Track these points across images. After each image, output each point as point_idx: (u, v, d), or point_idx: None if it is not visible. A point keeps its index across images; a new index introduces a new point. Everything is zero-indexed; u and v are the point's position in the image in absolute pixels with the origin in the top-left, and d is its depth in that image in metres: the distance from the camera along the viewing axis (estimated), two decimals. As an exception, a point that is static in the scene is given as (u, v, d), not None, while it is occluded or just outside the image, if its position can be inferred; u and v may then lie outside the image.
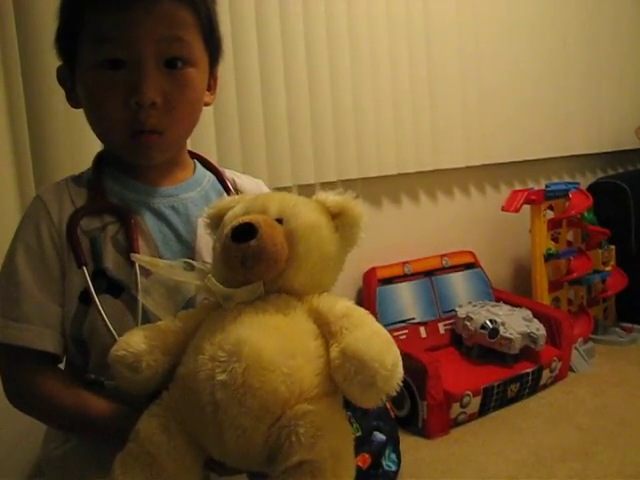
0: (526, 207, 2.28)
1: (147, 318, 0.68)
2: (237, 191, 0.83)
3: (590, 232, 2.45)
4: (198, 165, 0.83)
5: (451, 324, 2.16)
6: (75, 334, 0.70)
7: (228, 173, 0.86)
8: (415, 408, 1.76)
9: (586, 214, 2.42)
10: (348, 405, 0.58)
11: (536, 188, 2.34)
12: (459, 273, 2.28)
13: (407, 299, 2.11)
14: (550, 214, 2.37)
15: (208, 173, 0.83)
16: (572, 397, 1.95)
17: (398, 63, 2.08)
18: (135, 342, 0.60)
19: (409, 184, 2.26)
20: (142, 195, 0.75)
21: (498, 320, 1.97)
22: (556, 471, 1.53)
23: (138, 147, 0.70)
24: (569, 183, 2.46)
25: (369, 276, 2.09)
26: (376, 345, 0.54)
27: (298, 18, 1.80)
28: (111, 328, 0.67)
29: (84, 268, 0.69)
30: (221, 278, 0.60)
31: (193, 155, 0.84)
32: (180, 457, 0.57)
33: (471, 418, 1.82)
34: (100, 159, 0.78)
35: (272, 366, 0.54)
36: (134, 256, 0.67)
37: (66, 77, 0.73)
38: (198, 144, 1.47)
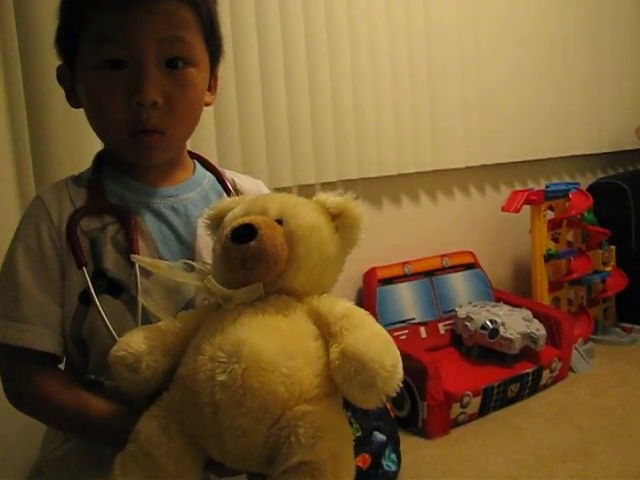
0: (526, 207, 2.28)
1: (147, 318, 0.68)
2: (237, 191, 0.82)
3: (590, 232, 2.45)
4: (198, 165, 0.83)
5: (451, 324, 2.15)
6: (75, 334, 0.70)
7: (228, 173, 0.85)
8: (415, 408, 1.76)
9: (586, 214, 2.42)
10: (348, 405, 0.58)
11: (536, 188, 2.35)
12: (459, 273, 2.28)
13: (407, 299, 2.11)
14: (550, 214, 2.37)
15: (208, 173, 0.83)
16: (572, 397, 1.95)
17: (398, 64, 2.08)
18: (135, 343, 0.60)
19: (409, 184, 2.26)
20: (142, 195, 0.75)
21: (498, 320, 1.97)
22: (556, 471, 1.54)
23: (139, 147, 0.70)
24: (569, 183, 2.46)
25: (369, 276, 2.09)
26: (376, 346, 0.54)
27: (298, 19, 1.80)
28: (111, 328, 0.67)
29: (84, 268, 0.69)
30: (221, 279, 0.60)
31: (193, 155, 0.84)
32: (180, 458, 0.57)
33: (471, 418, 1.82)
34: (100, 159, 0.78)
35: (271, 367, 0.54)
36: (134, 257, 0.67)
37: (66, 77, 0.73)
38: (198, 144, 1.47)
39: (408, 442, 1.68)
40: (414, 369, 1.72)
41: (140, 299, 0.67)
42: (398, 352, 0.55)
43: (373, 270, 2.08)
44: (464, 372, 1.94)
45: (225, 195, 0.80)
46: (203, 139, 1.57)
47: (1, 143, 1.25)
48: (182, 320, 0.63)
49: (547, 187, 2.33)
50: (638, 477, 1.48)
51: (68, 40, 0.71)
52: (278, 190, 1.77)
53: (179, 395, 0.58)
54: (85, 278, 0.68)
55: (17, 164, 1.28)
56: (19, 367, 0.70)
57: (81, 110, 0.73)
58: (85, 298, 0.69)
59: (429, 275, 2.21)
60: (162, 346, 0.61)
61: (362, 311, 0.60)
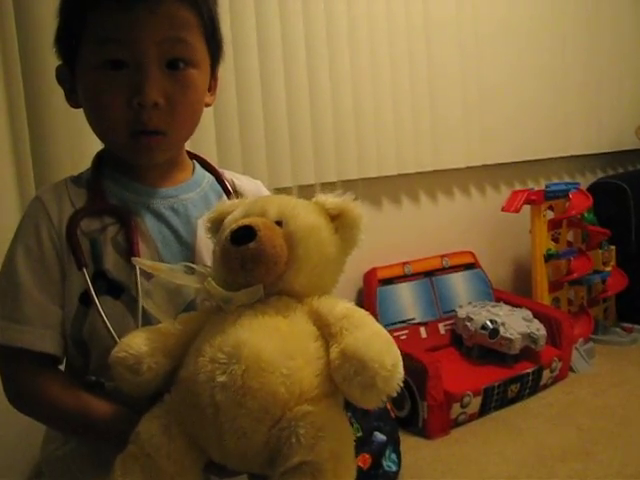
0: (526, 207, 2.28)
1: (147, 319, 0.68)
2: (236, 192, 0.82)
3: (590, 232, 2.45)
4: (197, 166, 0.83)
5: (451, 324, 2.15)
6: (75, 335, 0.70)
7: (227, 174, 0.85)
8: (415, 408, 1.76)
9: (586, 214, 2.42)
10: (348, 405, 0.58)
11: (536, 188, 2.35)
12: (459, 273, 2.28)
13: (407, 299, 2.11)
14: (550, 214, 2.37)
15: (207, 174, 0.83)
16: (572, 397, 1.95)
17: (398, 63, 2.08)
18: (136, 344, 0.60)
19: (409, 184, 2.25)
20: (142, 196, 0.75)
21: (498, 320, 1.97)
22: (556, 471, 1.53)
23: (139, 147, 0.70)
24: (569, 183, 2.47)
25: (369, 276, 2.09)
26: (376, 346, 0.54)
27: (298, 19, 1.80)
28: (111, 329, 0.67)
29: (84, 270, 0.69)
30: (221, 281, 0.60)
31: (192, 156, 0.84)
32: (180, 459, 0.57)
33: (471, 418, 1.82)
34: (99, 159, 0.78)
35: (271, 367, 0.54)
36: (135, 260, 0.67)
37: (65, 77, 0.73)
38: (198, 144, 1.47)
39: (408, 442, 1.68)
40: (414, 369, 1.72)
41: (141, 302, 0.67)
42: (399, 352, 0.55)
43: (373, 270, 2.08)
44: (464, 372, 1.94)
45: (224, 196, 0.80)
46: (203, 139, 1.57)
47: (1, 143, 1.25)
48: (183, 322, 0.63)
49: (547, 187, 2.33)
50: (638, 477, 1.48)
51: (68, 40, 0.71)
52: (278, 190, 1.79)
53: (180, 397, 0.58)
54: (85, 279, 0.68)
55: (17, 164, 1.28)
56: (19, 368, 0.70)
57: (81, 110, 0.73)
58: (85, 299, 0.69)
59: (429, 275, 2.21)
60: (163, 348, 0.61)
61: (362, 311, 0.60)
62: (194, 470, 0.58)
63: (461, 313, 2.09)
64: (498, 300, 2.24)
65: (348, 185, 1.98)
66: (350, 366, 0.53)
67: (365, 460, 1.47)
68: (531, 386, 1.96)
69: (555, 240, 2.38)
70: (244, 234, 0.58)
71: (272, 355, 0.54)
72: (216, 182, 0.82)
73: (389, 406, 1.66)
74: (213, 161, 0.86)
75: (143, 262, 0.67)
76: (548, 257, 2.29)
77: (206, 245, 0.72)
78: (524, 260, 2.55)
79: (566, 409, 1.88)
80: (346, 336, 0.55)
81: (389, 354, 0.54)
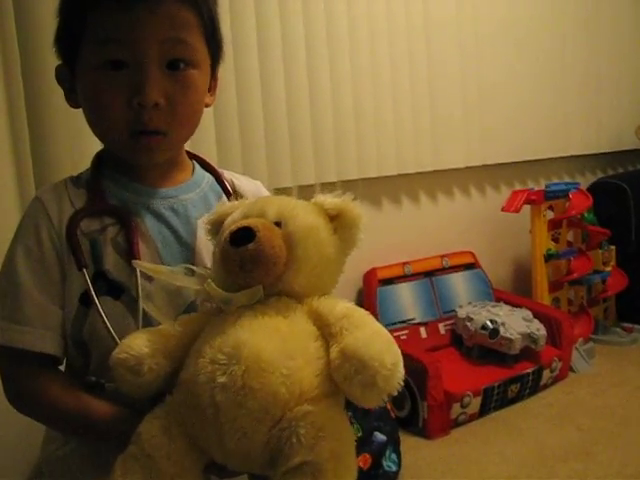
0: (526, 207, 2.28)
1: (148, 320, 0.68)
2: (235, 192, 0.82)
3: (590, 232, 2.45)
4: (197, 166, 0.83)
5: (451, 324, 2.15)
6: (75, 336, 0.70)
7: (226, 174, 0.85)
8: (415, 408, 1.76)
9: (586, 214, 2.42)
10: (349, 405, 0.58)
11: (536, 188, 2.34)
12: (459, 273, 2.28)
13: (407, 299, 2.11)
14: (550, 214, 2.37)
15: (207, 174, 0.83)
16: (572, 397, 1.95)
17: (398, 63, 2.08)
18: (137, 345, 0.60)
19: (409, 185, 2.25)
20: (141, 196, 0.75)
21: (498, 320, 1.97)
22: (557, 471, 1.53)
23: (139, 147, 0.70)
24: (569, 183, 2.47)
25: (369, 277, 2.09)
26: (376, 345, 0.54)
27: (298, 19, 1.80)
28: (111, 330, 0.67)
29: (84, 270, 0.69)
30: (221, 283, 0.60)
31: (191, 156, 0.84)
32: (180, 460, 0.57)
33: (471, 418, 1.82)
34: (99, 160, 0.78)
35: (271, 367, 0.54)
36: (136, 262, 0.67)
37: (65, 77, 0.73)
38: (198, 145, 1.47)
39: (408, 442, 1.68)
40: (414, 369, 1.72)
41: (141, 305, 0.67)
42: (399, 351, 0.55)
43: (373, 270, 2.08)
44: (464, 372, 1.94)
45: (224, 196, 0.80)
46: (203, 139, 1.57)
47: (1, 143, 1.24)
48: (183, 323, 0.63)
49: (547, 187, 2.33)
50: (638, 477, 1.48)
51: (68, 40, 0.71)
52: (278, 191, 1.79)
53: (181, 398, 0.58)
54: (85, 280, 0.68)
55: (17, 164, 1.28)
56: (20, 368, 0.70)
57: (81, 110, 0.73)
58: (85, 300, 0.69)
59: (429, 275, 2.21)
60: (164, 349, 0.61)
61: (362, 311, 0.60)
62: (194, 471, 0.58)
63: (461, 313, 2.09)
64: (498, 300, 2.24)
65: (348, 185, 1.98)
66: (350, 365, 0.53)
67: (365, 460, 1.47)
68: (531, 386, 1.96)
69: (555, 240, 2.38)
70: (243, 235, 0.58)
71: (272, 355, 0.54)
72: (216, 182, 0.82)
73: (389, 406, 1.66)
74: (213, 161, 0.86)
75: (143, 265, 0.67)
76: (548, 257, 2.29)
77: (206, 246, 0.72)
78: (524, 260, 2.55)
79: (566, 409, 1.87)
80: (346, 336, 0.55)
81: (389, 353, 0.54)
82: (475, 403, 1.81)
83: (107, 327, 0.67)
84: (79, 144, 1.32)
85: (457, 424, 1.79)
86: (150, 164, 0.74)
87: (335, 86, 1.91)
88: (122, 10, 0.65)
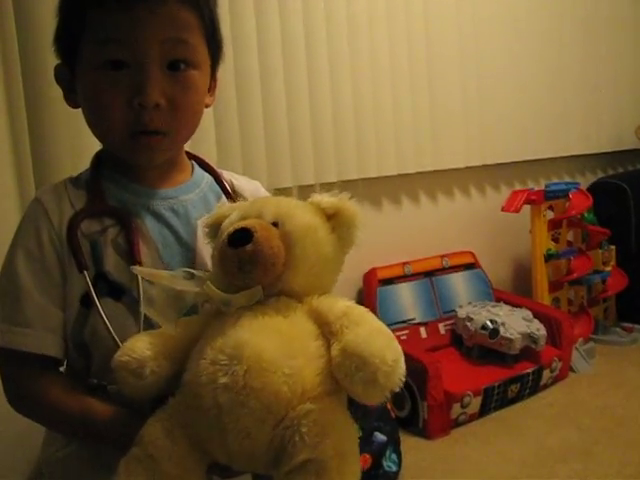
0: (526, 207, 2.28)
1: (149, 321, 0.68)
2: (235, 193, 0.82)
3: (590, 232, 2.45)
4: (196, 167, 0.83)
5: (451, 324, 2.15)
6: (76, 338, 0.70)
7: (226, 174, 0.85)
8: (416, 408, 1.76)
9: (586, 214, 2.42)
10: (350, 405, 0.58)
11: (536, 188, 2.34)
12: (459, 273, 2.28)
13: (407, 299, 2.11)
14: (550, 214, 2.37)
15: (206, 175, 0.83)
16: (572, 397, 1.95)
17: (398, 63, 2.07)
18: (139, 348, 0.60)
19: (409, 184, 2.25)
20: (141, 197, 0.74)
21: (498, 320, 1.97)
22: (557, 471, 1.53)
23: (139, 148, 0.70)
24: (569, 183, 2.47)
25: (369, 277, 2.09)
26: (376, 341, 0.54)
27: (298, 19, 1.80)
28: (112, 331, 0.67)
29: (85, 272, 0.68)
30: (221, 284, 0.60)
31: (190, 156, 0.84)
32: (183, 461, 0.57)
33: (472, 418, 1.82)
34: (98, 160, 0.77)
35: (273, 367, 0.54)
36: (135, 268, 0.66)
37: (64, 76, 0.73)
38: (198, 145, 1.47)
39: (409, 442, 1.68)
40: (414, 369, 1.72)
41: (142, 309, 0.67)
42: (400, 347, 0.55)
43: (373, 270, 2.08)
44: (464, 372, 1.94)
45: (223, 196, 0.80)
46: (203, 139, 1.57)
47: (1, 143, 1.24)
48: (184, 325, 0.63)
49: (547, 187, 2.33)
50: (638, 477, 1.48)
51: (67, 39, 0.71)
52: (278, 191, 1.78)
53: (183, 399, 0.58)
54: (86, 281, 0.68)
55: (17, 164, 1.28)
56: (21, 370, 0.70)
57: (81, 110, 0.73)
58: (86, 301, 0.69)
59: (429, 275, 2.20)
60: (166, 351, 0.61)
61: (362, 308, 0.60)
62: (197, 472, 0.58)
63: (461, 313, 2.09)
64: (498, 300, 2.24)
65: (348, 185, 1.98)
66: (351, 363, 0.53)
67: (365, 460, 1.47)
68: (531, 386, 1.96)
69: (555, 240, 2.38)
70: (241, 236, 0.58)
71: (273, 355, 0.55)
72: (215, 183, 0.82)
73: (389, 406, 1.66)
74: (213, 161, 0.86)
75: (143, 270, 0.66)
76: (548, 257, 2.29)
77: (206, 246, 0.72)
78: (524, 260, 2.55)
79: (566, 409, 1.87)
80: (346, 333, 0.55)
81: (390, 349, 0.54)
82: (475, 403, 1.81)
83: (108, 328, 0.67)
84: (79, 144, 1.32)
85: (457, 424, 1.79)
86: (150, 164, 0.74)
87: (335, 86, 1.91)
88: (122, 10, 0.65)
